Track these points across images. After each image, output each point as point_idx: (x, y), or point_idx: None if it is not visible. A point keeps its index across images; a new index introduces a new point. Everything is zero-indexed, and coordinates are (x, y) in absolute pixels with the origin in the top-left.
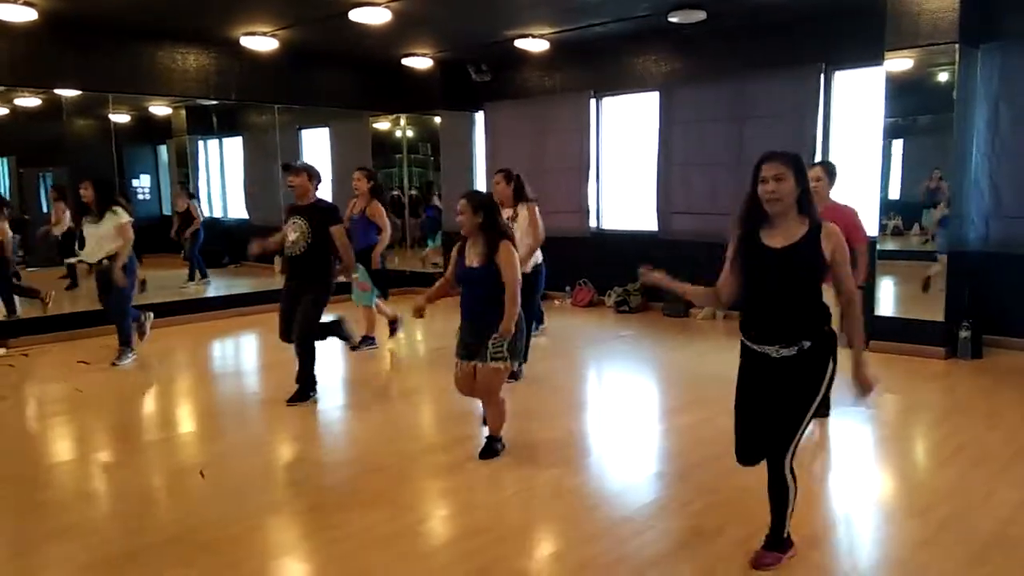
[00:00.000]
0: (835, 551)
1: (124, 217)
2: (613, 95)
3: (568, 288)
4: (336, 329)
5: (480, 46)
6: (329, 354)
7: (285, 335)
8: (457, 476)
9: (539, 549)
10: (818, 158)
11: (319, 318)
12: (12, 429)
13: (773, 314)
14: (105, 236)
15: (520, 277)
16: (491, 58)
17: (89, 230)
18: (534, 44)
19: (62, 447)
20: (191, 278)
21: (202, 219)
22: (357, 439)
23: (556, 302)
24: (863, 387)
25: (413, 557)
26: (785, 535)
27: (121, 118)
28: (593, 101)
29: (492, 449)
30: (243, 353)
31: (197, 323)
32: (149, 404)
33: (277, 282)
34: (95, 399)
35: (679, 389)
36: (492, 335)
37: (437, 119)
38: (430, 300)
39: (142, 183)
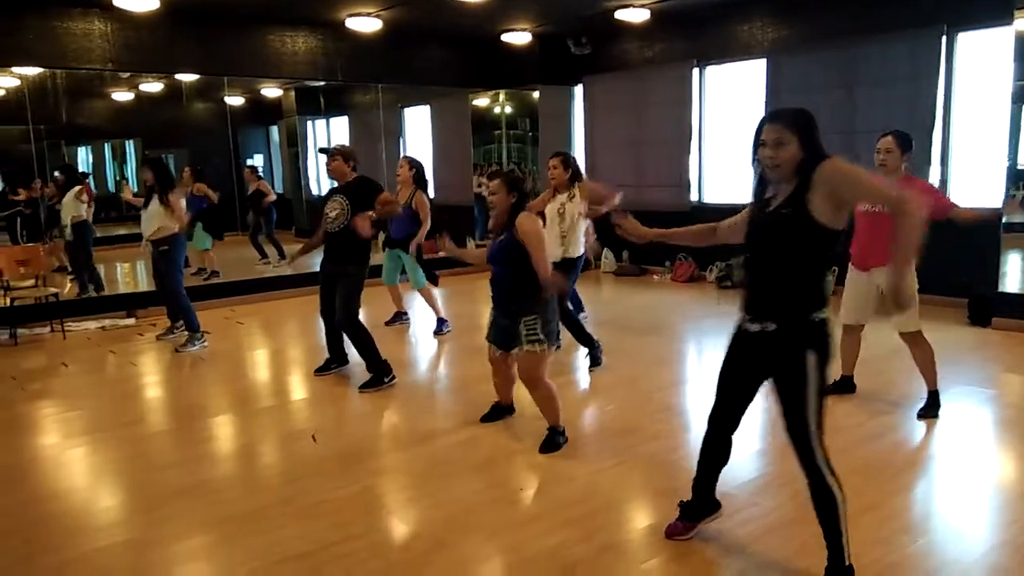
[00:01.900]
0: (946, 535)
1: (175, 200)
2: (716, 64)
3: (668, 263)
4: (381, 372)
5: (579, 19)
6: (422, 330)
7: (324, 313)
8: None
9: (636, 520)
10: (939, 126)
11: (358, 301)
12: (137, 394)
13: (751, 281)
14: (154, 215)
15: (542, 242)
16: (590, 31)
17: (144, 211)
18: (634, 14)
19: (182, 411)
20: (263, 255)
21: (273, 197)
22: (452, 412)
23: (656, 277)
24: (896, 296)
25: (514, 524)
26: (847, 563)
27: (236, 100)
28: (695, 71)
29: (553, 443)
30: None
31: (292, 299)
32: (261, 373)
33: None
34: (210, 367)
35: None
36: (525, 317)
37: (536, 94)
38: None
39: (256, 163)
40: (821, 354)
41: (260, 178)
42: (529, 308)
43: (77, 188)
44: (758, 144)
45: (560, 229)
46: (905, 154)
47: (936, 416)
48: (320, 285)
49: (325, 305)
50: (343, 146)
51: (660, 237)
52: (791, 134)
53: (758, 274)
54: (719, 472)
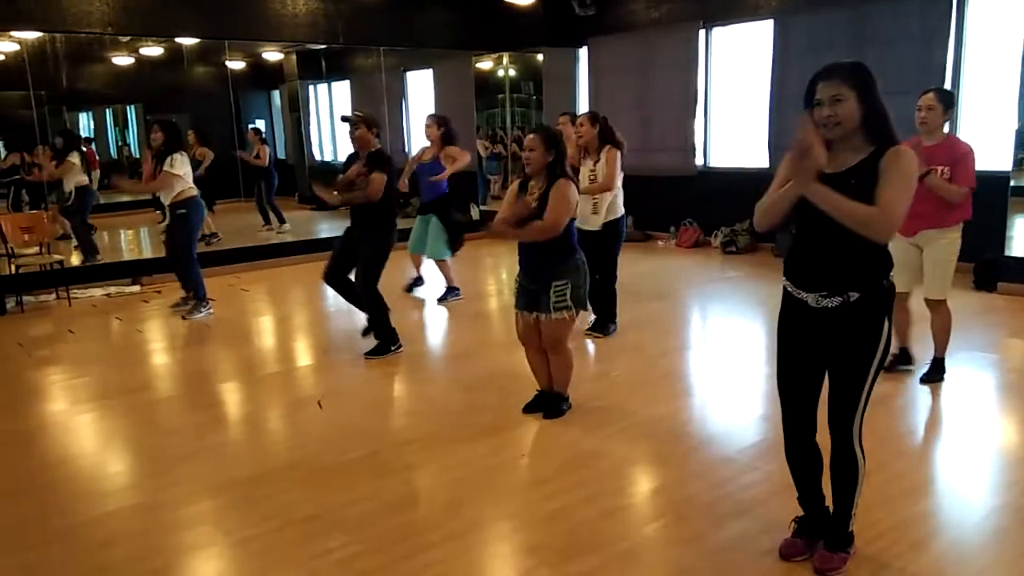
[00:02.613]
0: (949, 498)
1: (177, 168)
2: (723, 25)
3: (673, 228)
4: (389, 340)
5: None
6: (431, 305)
7: (329, 276)
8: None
9: (641, 484)
10: (948, 85)
11: (379, 272)
12: (144, 360)
13: (815, 255)
14: (162, 181)
15: (564, 221)
16: None
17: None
18: None
19: (188, 378)
20: (267, 221)
21: (266, 163)
22: (457, 378)
23: (660, 243)
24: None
25: (518, 488)
26: (849, 530)
27: (237, 65)
28: (702, 32)
29: (558, 408)
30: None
31: (296, 265)
32: (267, 340)
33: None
34: (216, 334)
35: None
36: (555, 282)
37: (540, 57)
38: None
39: (257, 127)
40: (890, 321)
41: (264, 142)
42: (560, 273)
43: (71, 156)
44: (811, 104)
45: (592, 199)
46: (947, 112)
47: (940, 381)
48: (337, 247)
49: (333, 268)
50: (367, 113)
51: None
52: (849, 89)
53: (827, 245)
54: (820, 480)
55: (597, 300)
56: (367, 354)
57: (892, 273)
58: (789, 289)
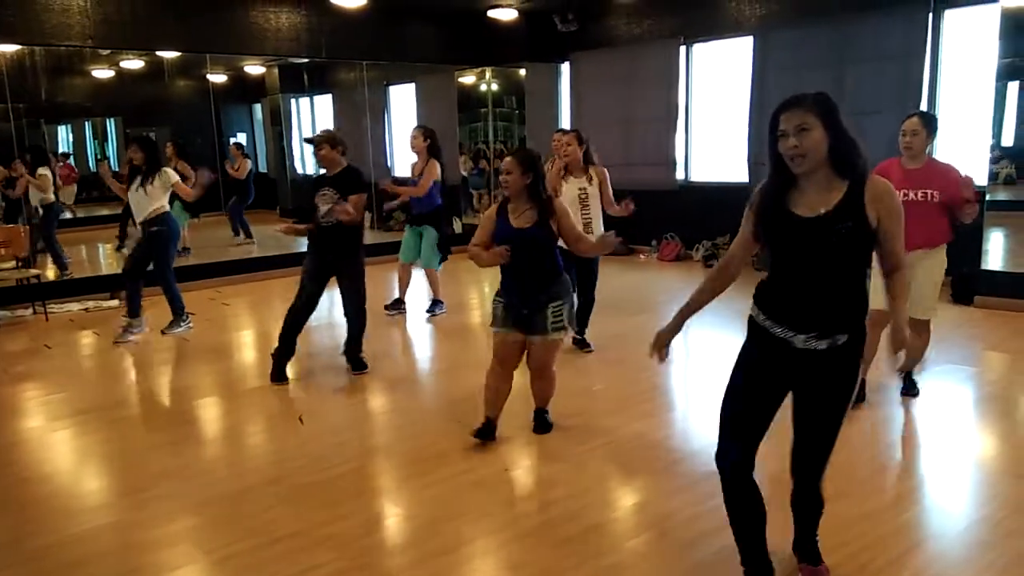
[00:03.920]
0: (928, 511)
1: (174, 176)
2: (704, 41)
3: (654, 242)
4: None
5: None
6: (416, 318)
7: (301, 309)
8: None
9: (621, 500)
10: (924, 103)
11: (364, 291)
12: (122, 376)
13: (805, 296)
14: (151, 197)
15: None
16: (577, 7)
17: (138, 193)
18: None
19: (167, 393)
20: (236, 233)
21: (244, 176)
22: (440, 394)
23: (642, 256)
24: (897, 343)
25: (502, 504)
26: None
27: (218, 78)
28: (683, 48)
29: (546, 422)
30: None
31: (274, 280)
32: (247, 355)
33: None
34: (196, 349)
35: None
36: (551, 304)
37: (522, 71)
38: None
39: (239, 141)
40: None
41: (246, 156)
42: (555, 295)
43: (42, 169)
44: (775, 137)
45: (582, 216)
46: (930, 136)
47: (915, 395)
48: (309, 274)
49: (307, 297)
50: (329, 133)
51: (681, 321)
52: (814, 117)
53: (818, 286)
54: (763, 527)
55: (583, 317)
56: (354, 370)
57: (878, 291)
58: (765, 325)
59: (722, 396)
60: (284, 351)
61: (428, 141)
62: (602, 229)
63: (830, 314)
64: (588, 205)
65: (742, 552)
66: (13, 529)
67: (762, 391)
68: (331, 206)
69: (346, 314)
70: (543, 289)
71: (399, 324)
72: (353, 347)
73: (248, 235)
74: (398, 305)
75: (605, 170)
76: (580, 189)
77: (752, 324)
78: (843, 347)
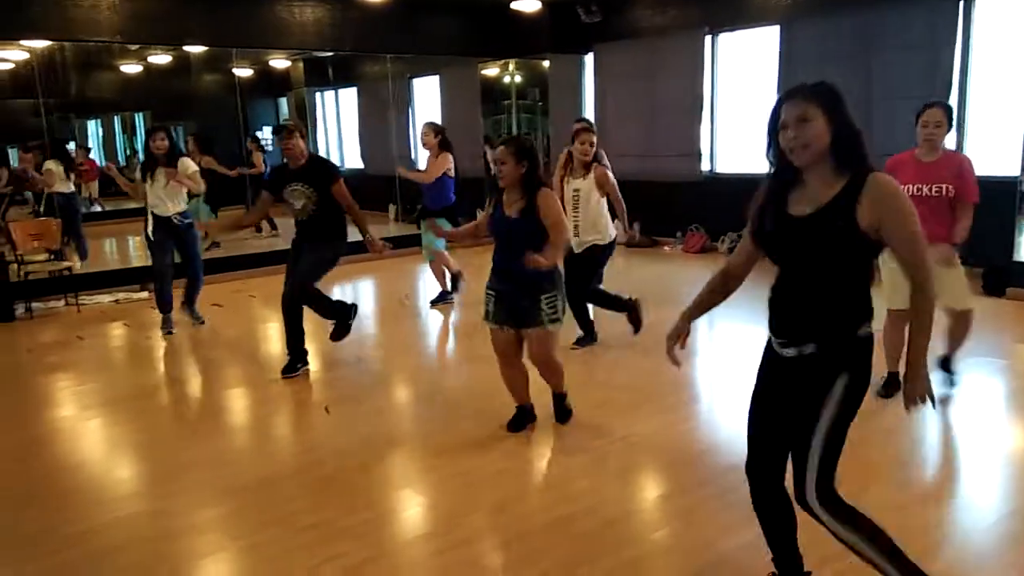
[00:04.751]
0: (958, 504)
1: (192, 165)
2: (729, 31)
3: (679, 234)
4: (344, 314)
5: None
6: (427, 311)
7: (286, 297)
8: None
9: (647, 491)
10: (955, 92)
11: (316, 279)
12: (152, 366)
13: (782, 301)
14: (173, 189)
15: (565, 231)
16: None
17: (159, 189)
18: None
19: (196, 383)
20: (259, 230)
21: (265, 171)
22: (462, 386)
23: (667, 248)
24: (911, 393)
25: (523, 496)
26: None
27: (244, 72)
28: (708, 38)
29: (567, 410)
30: (361, 299)
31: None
32: (273, 346)
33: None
34: (224, 340)
35: None
36: (544, 296)
37: (546, 63)
38: (451, 236)
39: (265, 135)
40: (856, 377)
41: (262, 149)
42: (549, 286)
43: (49, 163)
44: (775, 130)
45: (572, 218)
46: (949, 128)
47: (953, 384)
48: (290, 263)
49: (289, 285)
50: (296, 123)
51: (686, 323)
52: (815, 108)
53: (792, 290)
54: (793, 535)
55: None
56: (283, 372)
57: (892, 292)
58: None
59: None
60: (289, 341)
61: (439, 137)
62: (609, 226)
63: (799, 321)
64: (578, 209)
65: (774, 556)
66: (47, 517)
67: (766, 397)
68: (305, 203)
69: (287, 296)
70: (539, 280)
71: (417, 315)
72: (327, 315)
73: (272, 227)
74: (445, 296)
75: (607, 170)
76: (575, 191)
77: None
78: (810, 358)
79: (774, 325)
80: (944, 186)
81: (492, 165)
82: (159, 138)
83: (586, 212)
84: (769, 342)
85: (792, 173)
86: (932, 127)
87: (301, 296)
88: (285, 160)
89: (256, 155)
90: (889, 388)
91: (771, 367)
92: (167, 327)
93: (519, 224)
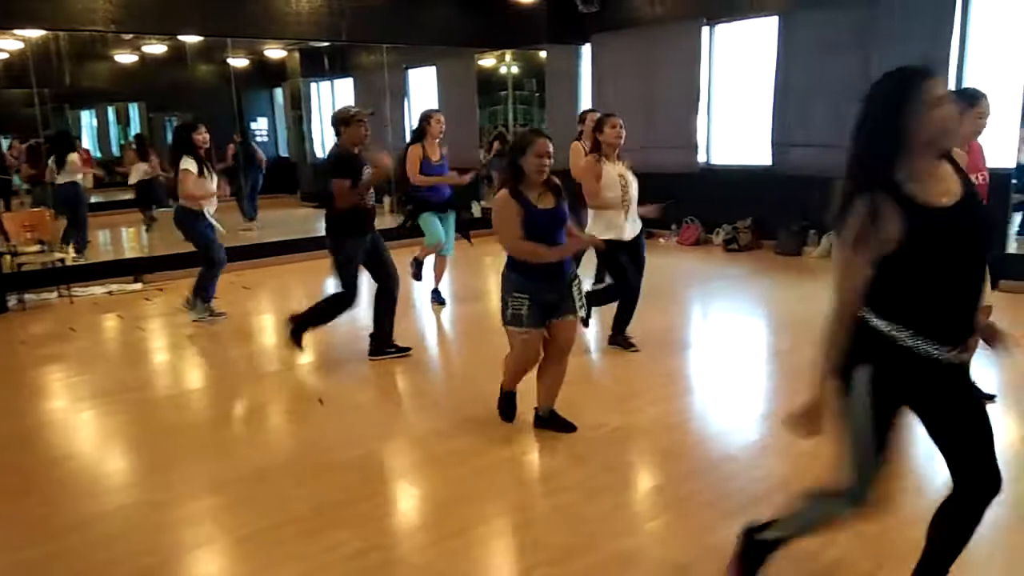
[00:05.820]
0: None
1: (190, 166)
2: (727, 22)
3: (674, 226)
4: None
5: None
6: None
7: (378, 289)
8: (559, 412)
9: (642, 481)
10: (951, 84)
11: (343, 276)
12: (145, 358)
13: (960, 304)
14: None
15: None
16: None
17: (210, 180)
18: None
19: (193, 375)
20: (249, 218)
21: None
22: (456, 377)
23: (661, 240)
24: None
25: (519, 485)
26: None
27: (239, 62)
28: (705, 29)
29: (567, 421)
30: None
31: (294, 264)
32: (268, 338)
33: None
34: (218, 331)
35: (788, 330)
36: (572, 282)
37: (543, 54)
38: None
39: (260, 125)
40: None
41: (243, 141)
42: (573, 271)
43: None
44: (907, 103)
45: (625, 202)
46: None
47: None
48: (371, 256)
49: (377, 280)
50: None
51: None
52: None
53: (968, 289)
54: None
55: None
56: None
57: None
58: (936, 352)
59: None
60: (388, 325)
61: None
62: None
63: (970, 320)
64: (627, 193)
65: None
66: (41, 507)
67: (971, 410)
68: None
69: (377, 274)
70: (568, 268)
71: (423, 307)
72: (305, 318)
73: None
74: (438, 297)
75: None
76: (619, 175)
77: (913, 358)
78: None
79: (950, 333)
80: (978, 175)
81: (515, 158)
82: (203, 131)
83: (633, 196)
84: (940, 369)
85: (893, 161)
86: (983, 118)
87: (338, 300)
88: (354, 148)
89: (228, 147)
90: None
91: (951, 380)
92: (214, 314)
93: (562, 211)
